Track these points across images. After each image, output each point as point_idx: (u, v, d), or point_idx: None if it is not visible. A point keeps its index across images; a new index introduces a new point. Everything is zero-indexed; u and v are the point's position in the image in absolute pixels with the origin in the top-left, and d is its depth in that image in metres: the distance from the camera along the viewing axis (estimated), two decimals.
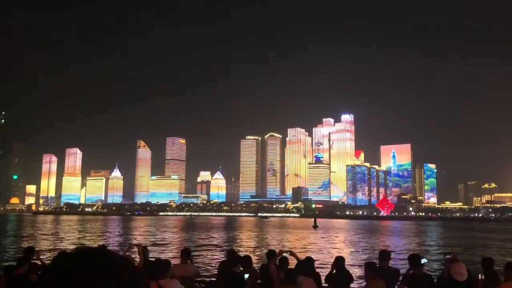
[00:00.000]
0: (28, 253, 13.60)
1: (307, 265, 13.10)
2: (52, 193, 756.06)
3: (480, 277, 11.76)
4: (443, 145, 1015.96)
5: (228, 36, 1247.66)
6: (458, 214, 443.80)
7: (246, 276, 12.20)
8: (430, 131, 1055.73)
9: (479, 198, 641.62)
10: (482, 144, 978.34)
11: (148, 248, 14.70)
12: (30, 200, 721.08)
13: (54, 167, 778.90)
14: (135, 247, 14.42)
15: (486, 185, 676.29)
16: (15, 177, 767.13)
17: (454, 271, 10.54)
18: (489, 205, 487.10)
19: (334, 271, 13.87)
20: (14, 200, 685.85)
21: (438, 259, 43.09)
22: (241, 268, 12.84)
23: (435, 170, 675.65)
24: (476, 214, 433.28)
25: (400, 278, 12.45)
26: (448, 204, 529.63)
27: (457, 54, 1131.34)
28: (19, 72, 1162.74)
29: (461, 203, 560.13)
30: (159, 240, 76.43)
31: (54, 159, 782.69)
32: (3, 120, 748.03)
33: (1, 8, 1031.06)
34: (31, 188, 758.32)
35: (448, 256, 13.01)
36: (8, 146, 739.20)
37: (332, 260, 14.63)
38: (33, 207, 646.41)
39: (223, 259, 15.47)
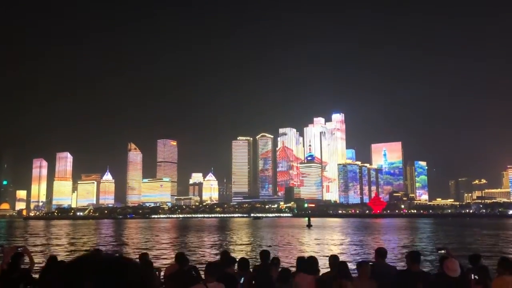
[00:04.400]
0: (16, 259, 13.28)
1: (308, 263, 12.81)
2: (42, 198, 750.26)
3: (472, 277, 11.84)
4: (433, 142, 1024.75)
5: (220, 36, 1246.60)
6: (449, 211, 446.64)
7: (242, 279, 12.16)
8: (420, 129, 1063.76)
9: (470, 194, 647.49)
10: (472, 141, 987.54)
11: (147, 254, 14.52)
12: (20, 206, 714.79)
13: (44, 171, 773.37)
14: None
15: (477, 181, 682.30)
16: (5, 182, 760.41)
17: (447, 267, 10.57)
18: (479, 201, 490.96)
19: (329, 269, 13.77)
20: (4, 206, 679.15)
21: (431, 253, 43.39)
22: (236, 270, 12.80)
23: (426, 168, 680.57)
24: (467, 210, 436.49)
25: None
26: (439, 201, 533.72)
27: (447, 51, 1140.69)
28: (7, 77, 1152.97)
29: (452, 200, 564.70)
30: (155, 243, 76.09)
31: (45, 163, 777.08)
32: None
33: None
34: (21, 193, 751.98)
35: (442, 251, 13.08)
36: None
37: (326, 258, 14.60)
38: (24, 212, 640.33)
39: (218, 260, 15.45)
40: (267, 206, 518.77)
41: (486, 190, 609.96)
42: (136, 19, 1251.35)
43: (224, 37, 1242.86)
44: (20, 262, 12.36)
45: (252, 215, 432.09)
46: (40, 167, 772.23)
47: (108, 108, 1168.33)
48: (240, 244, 70.57)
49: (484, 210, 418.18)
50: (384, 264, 13.02)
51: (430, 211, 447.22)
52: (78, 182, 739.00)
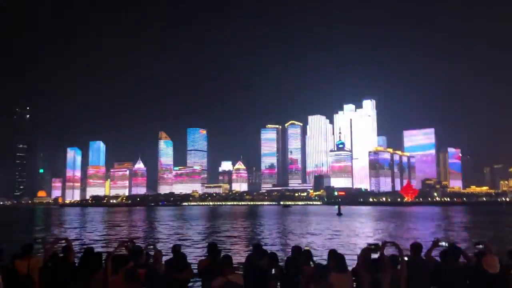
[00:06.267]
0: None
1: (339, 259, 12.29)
2: (77, 186, 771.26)
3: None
4: (467, 128, 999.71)
5: (249, 27, 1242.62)
6: (484, 199, 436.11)
7: (273, 271, 12.06)
8: (453, 114, 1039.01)
9: (506, 182, 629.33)
10: (507, 126, 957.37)
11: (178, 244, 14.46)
12: (56, 193, 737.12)
13: (78, 160, 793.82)
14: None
15: None
16: (41, 170, 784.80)
17: (488, 264, 10.27)
18: None
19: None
20: (41, 194, 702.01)
21: (467, 247, 42.25)
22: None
23: (460, 154, 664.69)
24: (504, 198, 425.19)
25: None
26: (473, 189, 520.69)
27: (482, 37, 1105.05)
28: (43, 68, 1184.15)
29: (487, 187, 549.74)
30: (187, 232, 77.02)
31: (79, 152, 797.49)
32: (28, 115, 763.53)
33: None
34: (57, 182, 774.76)
35: (479, 246, 12.50)
36: (33, 140, 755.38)
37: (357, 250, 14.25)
38: (60, 200, 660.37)
39: (250, 253, 15.40)
40: (296, 194, 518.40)
41: None
42: (168, 18, 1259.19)
43: (253, 30, 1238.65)
44: (70, 256, 12.39)
45: (281, 203, 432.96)
46: (74, 156, 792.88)
47: (139, 98, 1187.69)
48: (271, 234, 70.66)
49: None
50: (420, 259, 12.63)
51: (464, 199, 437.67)
52: (111, 170, 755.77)
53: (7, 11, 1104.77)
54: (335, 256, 12.03)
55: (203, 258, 14.24)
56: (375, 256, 11.43)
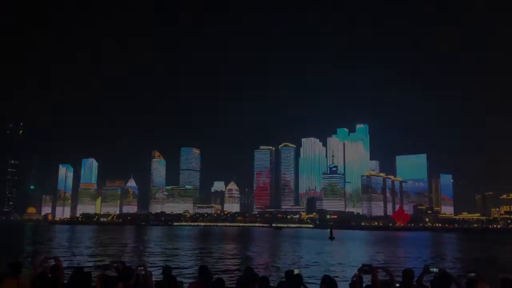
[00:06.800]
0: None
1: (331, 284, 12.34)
2: (68, 203, 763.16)
3: None
4: (459, 155, 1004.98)
5: (244, 48, 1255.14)
6: (475, 225, 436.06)
7: None
8: (446, 141, 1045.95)
9: (497, 209, 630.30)
10: (500, 154, 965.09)
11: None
12: (46, 210, 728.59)
13: (70, 177, 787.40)
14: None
15: (504, 196, 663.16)
16: (32, 187, 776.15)
17: None
18: (507, 216, 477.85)
19: None
20: (31, 210, 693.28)
21: (458, 275, 42.00)
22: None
23: (452, 180, 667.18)
24: (495, 225, 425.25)
25: None
26: (465, 215, 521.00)
27: (473, 64, 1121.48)
28: (37, 84, 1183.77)
29: (478, 214, 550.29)
30: (177, 253, 76.09)
31: (70, 169, 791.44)
32: (21, 131, 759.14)
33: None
34: (47, 198, 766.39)
35: (471, 274, 12.39)
36: (25, 157, 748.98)
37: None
38: (50, 217, 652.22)
39: (240, 276, 15.17)
40: (288, 216, 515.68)
41: None
42: (164, 34, 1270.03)
43: (248, 48, 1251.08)
44: (58, 276, 12.14)
45: (273, 225, 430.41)
46: (66, 173, 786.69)
47: (133, 116, 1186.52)
48: (263, 257, 70.01)
49: None
50: (412, 286, 12.58)
51: (455, 225, 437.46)
52: (103, 188, 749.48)
53: None
54: (328, 282, 11.98)
55: (194, 280, 14.08)
56: (368, 276, 11.42)
